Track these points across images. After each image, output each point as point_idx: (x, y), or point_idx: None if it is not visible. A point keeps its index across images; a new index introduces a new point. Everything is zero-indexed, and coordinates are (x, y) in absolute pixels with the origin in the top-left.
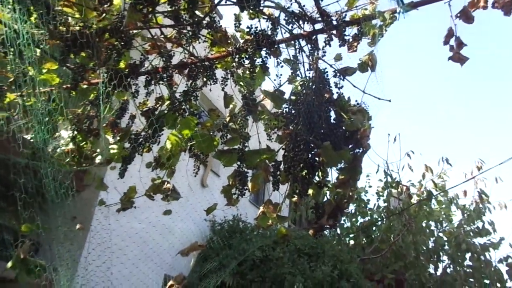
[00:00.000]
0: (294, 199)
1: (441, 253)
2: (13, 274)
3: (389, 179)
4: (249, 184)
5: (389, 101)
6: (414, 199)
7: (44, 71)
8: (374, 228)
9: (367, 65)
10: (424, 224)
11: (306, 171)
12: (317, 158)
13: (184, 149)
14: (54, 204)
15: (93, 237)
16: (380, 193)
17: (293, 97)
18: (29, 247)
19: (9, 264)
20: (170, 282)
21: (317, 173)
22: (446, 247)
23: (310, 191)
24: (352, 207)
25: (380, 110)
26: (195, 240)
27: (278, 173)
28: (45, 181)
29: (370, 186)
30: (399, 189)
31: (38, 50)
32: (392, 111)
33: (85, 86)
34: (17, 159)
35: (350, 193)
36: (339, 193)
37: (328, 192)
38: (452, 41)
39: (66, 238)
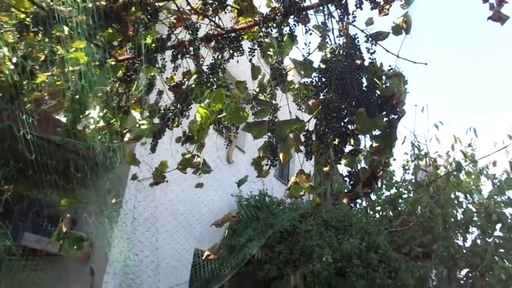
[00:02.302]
0: (326, 168)
1: (470, 225)
2: (55, 249)
3: (416, 151)
4: (281, 155)
5: (426, 64)
6: (441, 171)
7: (72, 49)
8: (400, 201)
9: (401, 28)
10: (452, 196)
11: (338, 139)
12: (350, 126)
13: (214, 122)
14: (90, 180)
15: (127, 210)
16: (406, 166)
17: (323, 65)
18: (69, 220)
19: (53, 237)
20: (206, 252)
21: (349, 142)
22: (476, 218)
23: (343, 161)
24: None
25: (416, 73)
26: (224, 214)
27: (310, 143)
28: (72, 157)
29: (394, 159)
30: (427, 161)
31: (66, 29)
32: (421, 78)
33: (113, 63)
34: (52, 137)
35: (386, 160)
36: (374, 160)
37: (362, 159)
38: None
39: (102, 213)
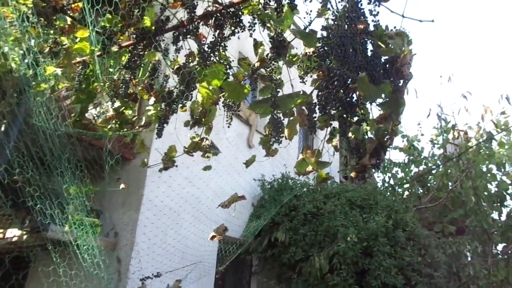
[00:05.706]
0: (334, 143)
1: (505, 197)
2: (70, 237)
3: (444, 124)
4: (286, 131)
5: (432, 21)
6: (472, 143)
7: (76, 40)
8: (429, 176)
9: None
10: (484, 168)
11: (344, 110)
12: (354, 96)
13: (216, 101)
14: (105, 171)
15: (150, 199)
16: (435, 141)
17: (324, 33)
18: (76, 207)
19: (66, 226)
20: (212, 233)
21: (357, 112)
22: (511, 190)
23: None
24: (405, 157)
25: (424, 33)
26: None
27: (314, 116)
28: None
29: (422, 135)
30: (455, 134)
31: (68, 19)
32: (443, 50)
33: (116, 49)
34: (67, 130)
35: (393, 128)
36: (380, 128)
37: (368, 129)
38: None
39: (125, 203)
